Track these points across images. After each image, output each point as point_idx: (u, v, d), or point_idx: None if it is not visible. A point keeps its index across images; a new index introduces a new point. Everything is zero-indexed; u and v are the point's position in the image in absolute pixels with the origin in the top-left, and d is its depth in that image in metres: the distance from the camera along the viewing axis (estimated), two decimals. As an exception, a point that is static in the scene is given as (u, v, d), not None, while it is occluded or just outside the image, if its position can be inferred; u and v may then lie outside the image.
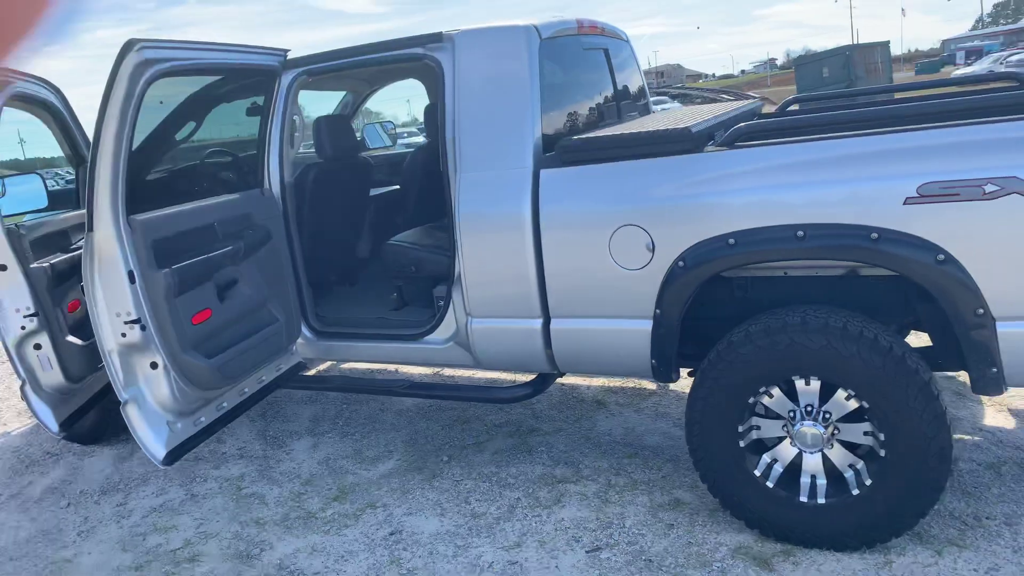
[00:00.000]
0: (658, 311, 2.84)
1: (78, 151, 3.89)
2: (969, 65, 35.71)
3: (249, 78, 3.23)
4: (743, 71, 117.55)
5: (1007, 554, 2.62)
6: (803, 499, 2.74)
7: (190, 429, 2.98)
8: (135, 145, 2.75)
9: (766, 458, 2.81)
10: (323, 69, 3.51)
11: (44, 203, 3.65)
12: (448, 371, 4.78)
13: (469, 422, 4.22)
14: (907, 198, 2.37)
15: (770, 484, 2.78)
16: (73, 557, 3.33)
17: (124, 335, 2.71)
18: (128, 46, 2.46)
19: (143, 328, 2.70)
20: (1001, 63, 28.12)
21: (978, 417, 3.61)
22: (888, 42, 20.08)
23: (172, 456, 2.89)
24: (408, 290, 3.80)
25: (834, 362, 2.55)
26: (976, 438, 3.41)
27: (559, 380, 4.62)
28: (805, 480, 2.77)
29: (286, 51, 3.36)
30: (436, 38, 3.26)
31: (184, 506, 3.66)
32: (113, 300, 2.69)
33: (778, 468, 2.80)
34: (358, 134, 5.51)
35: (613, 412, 4.16)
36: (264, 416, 4.66)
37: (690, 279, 2.73)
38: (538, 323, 3.12)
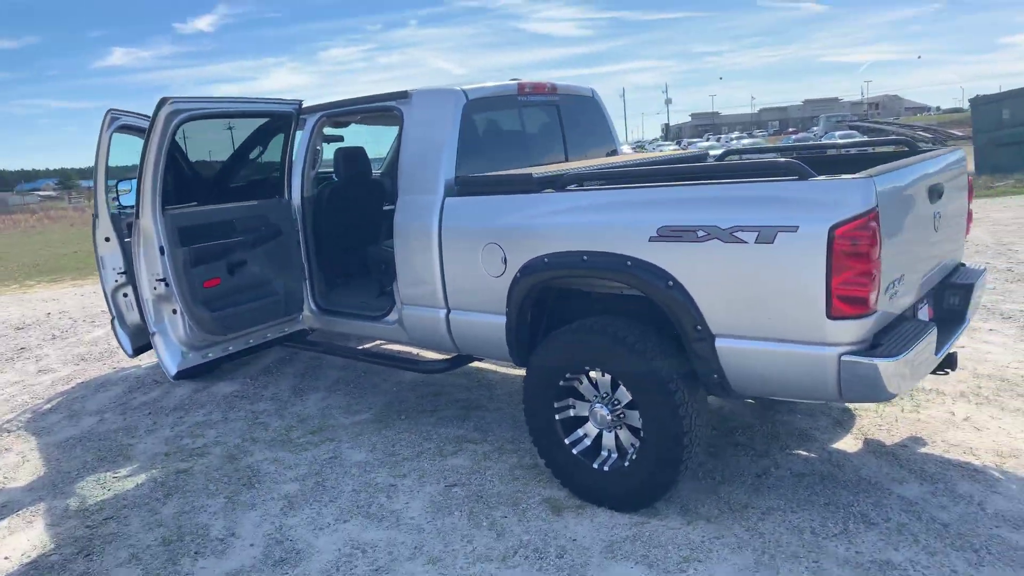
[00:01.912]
0: (508, 309, 3.73)
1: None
2: None
3: (273, 121, 4.55)
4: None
5: (739, 531, 3.22)
6: (595, 466, 3.51)
7: (198, 359, 4.31)
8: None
9: (580, 432, 3.60)
10: (333, 113, 4.76)
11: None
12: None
13: (440, 395, 5.26)
14: (651, 236, 3.12)
15: (575, 451, 3.57)
16: (134, 444, 4.81)
17: (155, 288, 4.10)
18: (162, 102, 3.84)
19: (167, 285, 4.07)
20: None
21: (832, 440, 4.06)
22: (1084, 84, 17.97)
23: (181, 375, 4.24)
24: (386, 282, 4.92)
25: (607, 359, 3.33)
26: (812, 454, 3.91)
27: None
28: (604, 452, 3.53)
29: (300, 101, 4.64)
30: (403, 95, 4.37)
31: (216, 424, 5.03)
32: (150, 264, 4.08)
33: (587, 441, 3.58)
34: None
35: (549, 401, 5.00)
36: (304, 375, 6.00)
37: (524, 286, 3.61)
38: (442, 313, 4.11)
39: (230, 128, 4.74)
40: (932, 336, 3.02)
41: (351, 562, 3.22)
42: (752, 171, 3.07)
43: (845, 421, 4.30)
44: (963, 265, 4.09)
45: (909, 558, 2.94)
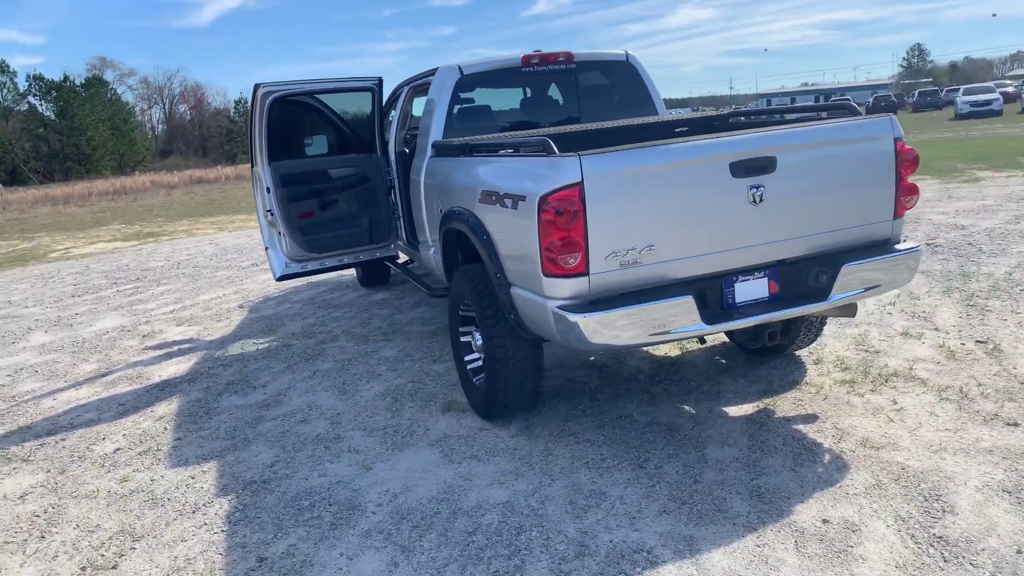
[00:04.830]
0: (441, 244, 4.67)
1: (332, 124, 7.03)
2: None
3: (358, 94, 5.95)
4: None
5: (537, 449, 3.82)
6: (474, 381, 4.35)
7: (297, 268, 6.04)
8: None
9: (476, 353, 4.45)
10: (415, 85, 5.97)
11: (325, 150, 7.03)
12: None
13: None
14: (478, 198, 3.81)
15: (468, 368, 4.43)
16: (287, 325, 6.82)
17: (267, 217, 5.88)
18: (256, 87, 5.48)
19: (273, 215, 5.83)
20: None
21: (732, 403, 4.17)
22: None
23: (283, 277, 6.02)
24: None
25: (468, 296, 4.12)
26: (692, 410, 4.13)
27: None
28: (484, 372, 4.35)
29: (380, 78, 5.92)
30: (434, 72, 5.39)
31: (343, 319, 6.82)
32: (263, 199, 5.87)
33: (479, 361, 4.42)
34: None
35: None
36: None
37: (442, 231, 4.51)
38: (432, 250, 5.17)
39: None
40: (667, 304, 3.20)
41: (297, 413, 4.64)
42: (527, 147, 3.56)
43: (775, 389, 4.31)
44: (887, 242, 3.74)
45: (622, 495, 3.31)
